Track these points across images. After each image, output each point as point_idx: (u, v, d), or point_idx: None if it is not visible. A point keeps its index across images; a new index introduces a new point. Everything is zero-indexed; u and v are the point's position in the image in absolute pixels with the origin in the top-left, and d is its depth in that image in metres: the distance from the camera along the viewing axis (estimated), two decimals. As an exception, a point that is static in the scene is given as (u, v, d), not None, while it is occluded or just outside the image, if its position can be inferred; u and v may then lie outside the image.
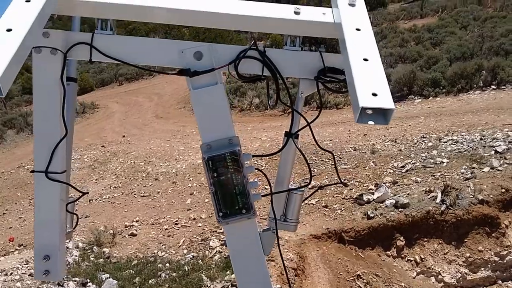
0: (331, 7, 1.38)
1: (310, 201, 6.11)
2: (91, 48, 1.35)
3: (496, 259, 5.45)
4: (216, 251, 5.24)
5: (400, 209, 5.59)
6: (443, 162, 6.62)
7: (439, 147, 7.32)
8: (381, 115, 1.03)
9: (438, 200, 5.58)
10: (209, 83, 1.36)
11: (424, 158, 6.93)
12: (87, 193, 1.87)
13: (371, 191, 6.11)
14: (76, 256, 5.36)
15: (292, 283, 4.53)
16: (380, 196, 5.82)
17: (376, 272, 5.12)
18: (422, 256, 5.44)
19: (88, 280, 4.64)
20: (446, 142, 7.48)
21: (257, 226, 1.47)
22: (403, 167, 6.78)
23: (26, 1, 1.14)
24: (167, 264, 5.05)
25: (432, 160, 6.76)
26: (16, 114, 18.43)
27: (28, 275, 4.82)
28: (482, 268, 5.47)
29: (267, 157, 8.15)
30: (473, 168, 6.22)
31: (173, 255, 5.35)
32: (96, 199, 7.85)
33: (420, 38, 19.15)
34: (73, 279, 4.62)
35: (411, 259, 5.43)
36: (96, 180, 9.11)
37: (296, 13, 1.35)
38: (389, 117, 1.03)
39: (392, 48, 17.50)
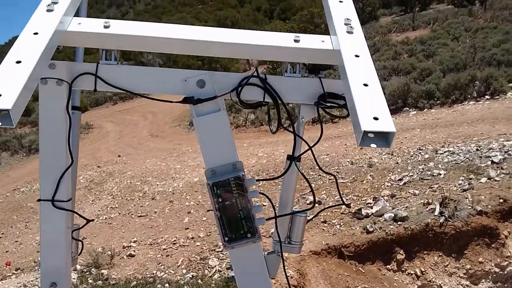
0: (329, 34, 1.41)
1: (308, 216, 6.08)
2: (95, 78, 1.36)
3: (497, 270, 5.44)
4: (216, 270, 5.20)
5: (399, 222, 5.58)
6: (440, 174, 6.64)
7: (435, 159, 7.35)
8: (383, 138, 1.05)
9: (436, 212, 5.58)
10: (212, 110, 1.38)
11: (421, 170, 6.95)
12: (92, 220, 1.88)
13: (369, 205, 6.11)
14: (74, 278, 5.30)
15: (294, 301, 4.50)
16: (378, 210, 5.82)
17: (377, 286, 5.10)
18: (423, 269, 5.42)
19: (88, 304, 4.59)
20: (442, 153, 7.50)
21: (262, 250, 1.47)
22: (400, 180, 6.78)
23: (34, 34, 1.16)
24: (167, 285, 5.01)
25: (429, 172, 6.78)
26: (10, 136, 18.34)
27: (26, 300, 4.77)
28: (483, 280, 5.45)
29: (266, 176, 8.15)
30: (471, 179, 6.24)
31: (172, 275, 5.30)
32: (93, 220, 7.78)
33: (413, 50, 19.36)
34: (72, 303, 4.57)
35: (412, 272, 5.41)
36: (92, 201, 9.04)
37: (296, 41, 1.38)
38: (391, 140, 1.04)
39: (385, 61, 17.67)
